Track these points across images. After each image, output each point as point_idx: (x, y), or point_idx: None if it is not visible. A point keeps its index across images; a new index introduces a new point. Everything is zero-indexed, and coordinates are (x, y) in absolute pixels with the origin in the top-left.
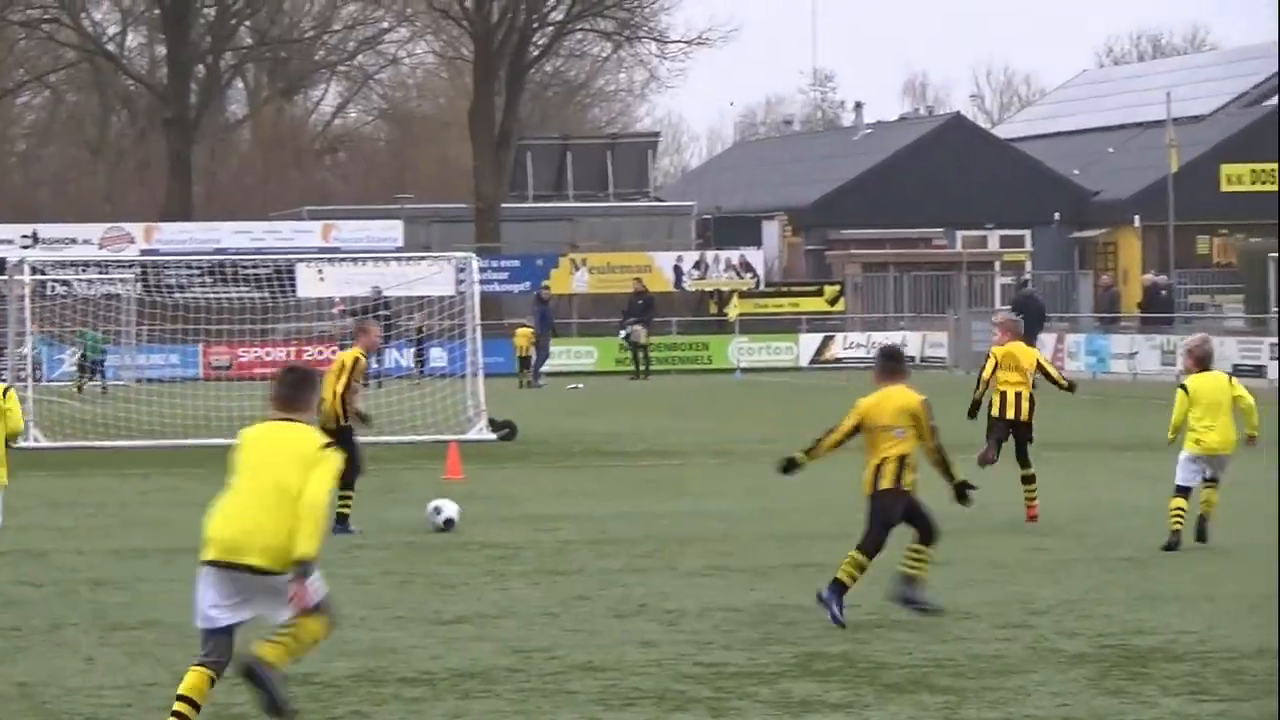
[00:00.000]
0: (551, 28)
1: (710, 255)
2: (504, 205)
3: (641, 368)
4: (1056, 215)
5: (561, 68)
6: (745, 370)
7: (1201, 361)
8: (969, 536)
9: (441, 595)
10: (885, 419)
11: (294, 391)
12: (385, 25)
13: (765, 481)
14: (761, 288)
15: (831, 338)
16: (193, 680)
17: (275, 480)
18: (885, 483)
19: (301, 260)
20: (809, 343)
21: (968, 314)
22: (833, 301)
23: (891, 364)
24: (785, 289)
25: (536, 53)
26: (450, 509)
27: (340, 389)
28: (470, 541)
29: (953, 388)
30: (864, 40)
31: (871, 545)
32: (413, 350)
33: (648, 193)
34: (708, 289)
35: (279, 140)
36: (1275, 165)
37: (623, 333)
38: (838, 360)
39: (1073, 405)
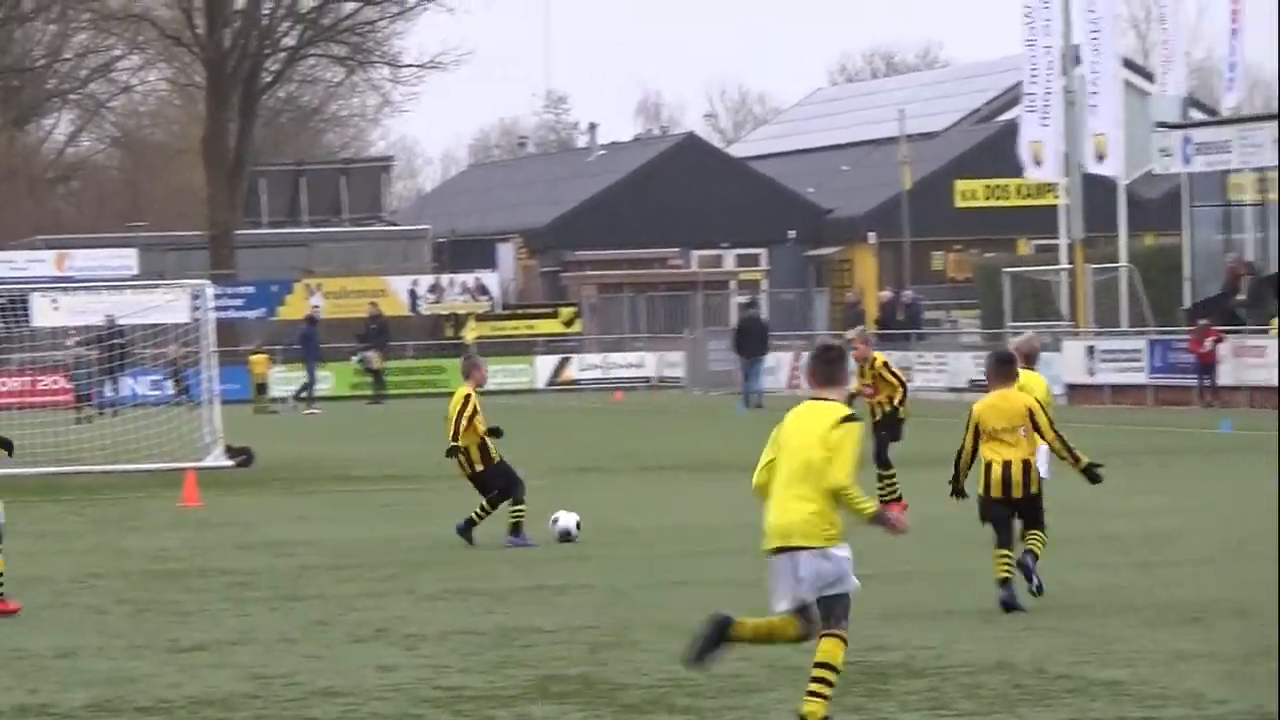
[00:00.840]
0: (284, 53)
1: (446, 278)
2: (238, 232)
3: (376, 392)
4: (792, 233)
5: (295, 93)
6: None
7: (1029, 359)
8: (705, 557)
9: (179, 623)
10: (1005, 420)
11: (830, 369)
12: (117, 53)
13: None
14: (497, 310)
15: (568, 359)
16: (825, 646)
17: (804, 459)
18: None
19: (35, 290)
20: (545, 365)
21: (704, 333)
22: (569, 323)
23: (1005, 368)
24: (521, 311)
25: (269, 79)
26: (567, 520)
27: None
28: (208, 568)
29: (691, 408)
30: (597, 62)
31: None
32: (170, 380)
33: (382, 217)
34: (443, 312)
35: (11, 169)
36: (1008, 181)
37: (355, 358)
38: (574, 382)
39: None
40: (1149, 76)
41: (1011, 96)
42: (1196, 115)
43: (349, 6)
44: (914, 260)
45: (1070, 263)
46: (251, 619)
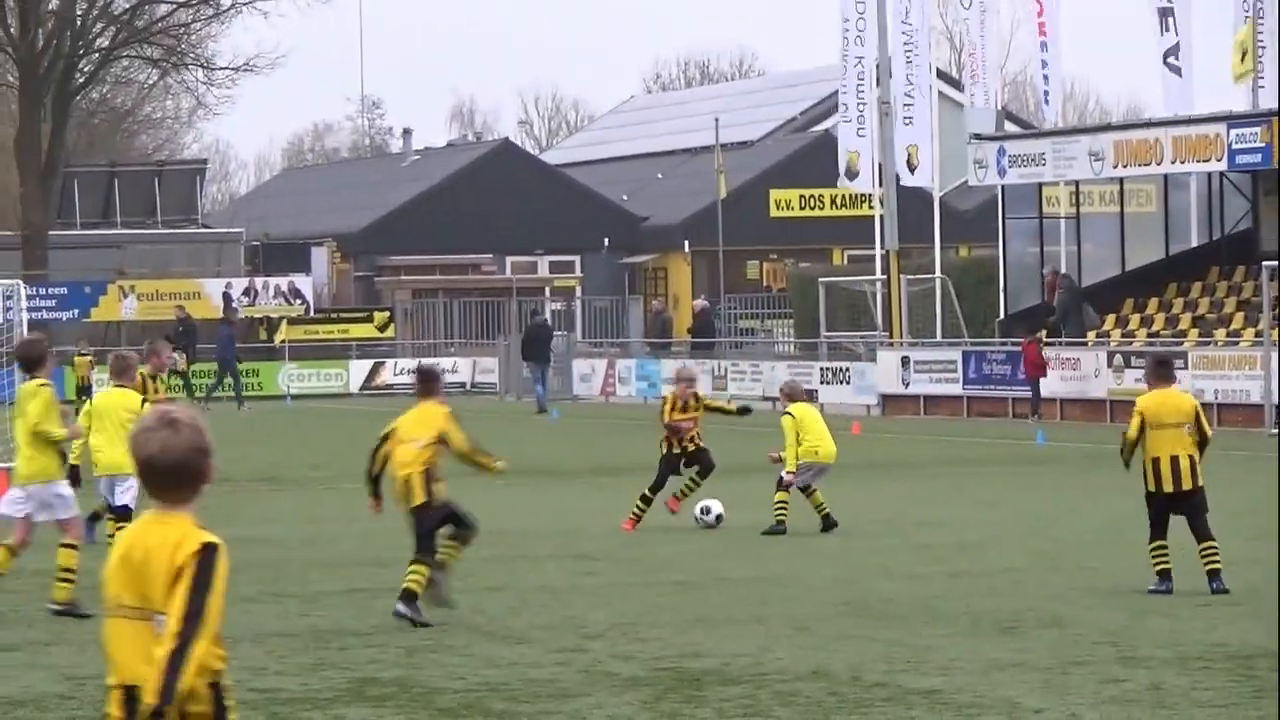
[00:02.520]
0: (98, 55)
1: (260, 281)
2: (51, 233)
3: (190, 395)
4: (606, 241)
5: (108, 94)
6: (295, 397)
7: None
8: (520, 561)
9: None
10: (1172, 417)
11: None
12: None
13: (317, 509)
14: (311, 314)
15: (381, 364)
16: None
17: None
18: (1199, 479)
19: None
20: (359, 369)
21: (518, 339)
22: (382, 328)
23: (1164, 369)
24: (335, 315)
25: (82, 80)
26: (717, 506)
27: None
28: (22, 569)
29: (504, 413)
30: (411, 67)
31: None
32: None
33: (196, 219)
34: (257, 315)
35: None
36: (823, 191)
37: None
38: (388, 386)
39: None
40: (964, 89)
41: (827, 106)
42: (1011, 128)
43: (163, 9)
44: (729, 269)
45: (885, 273)
46: (64, 620)
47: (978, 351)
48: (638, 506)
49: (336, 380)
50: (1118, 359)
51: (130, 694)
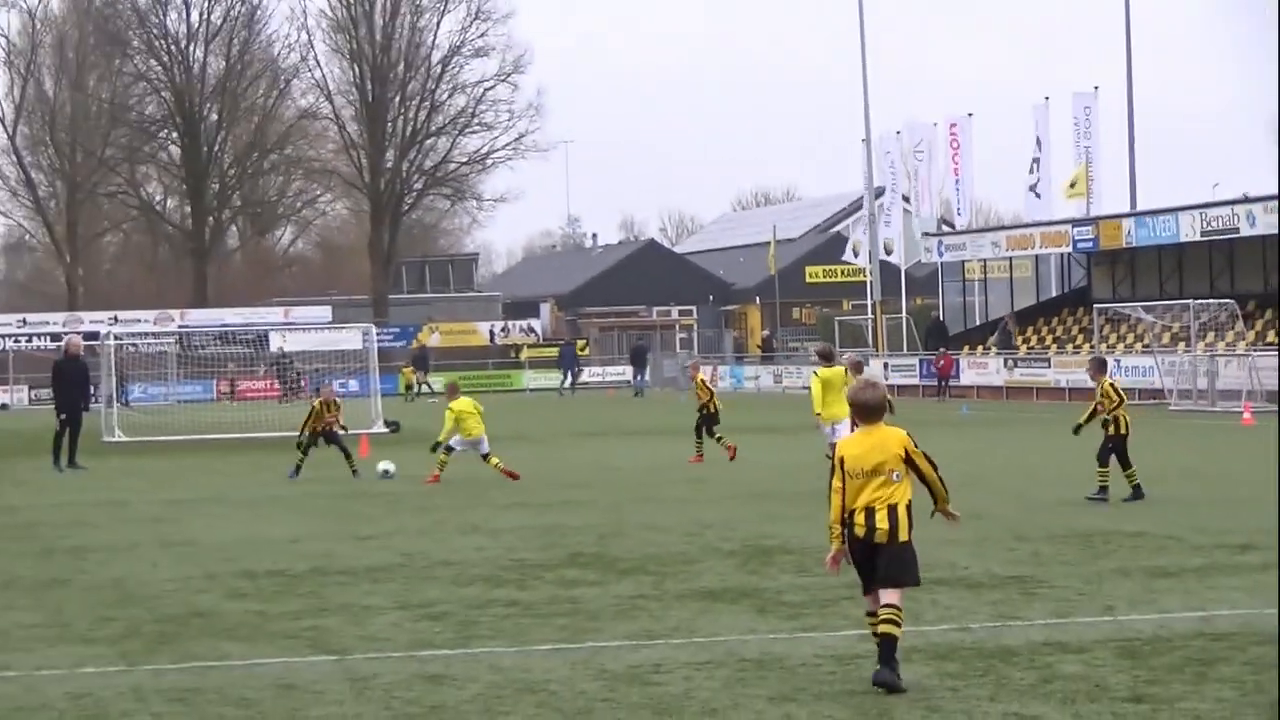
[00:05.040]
0: (414, 193)
1: (510, 323)
2: (390, 296)
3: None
4: (710, 297)
5: (420, 216)
6: (531, 390)
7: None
8: (655, 486)
9: (364, 521)
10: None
11: None
12: (318, 192)
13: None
14: (540, 341)
15: (582, 369)
16: None
17: None
18: None
19: (270, 329)
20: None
21: (659, 355)
22: (582, 349)
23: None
24: (554, 341)
25: (406, 207)
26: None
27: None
28: (368, 490)
29: (642, 400)
30: (598, 191)
31: None
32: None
33: (472, 287)
34: (510, 344)
35: (258, 260)
36: (836, 265)
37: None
38: (585, 384)
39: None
40: (914, 205)
41: (838, 216)
42: (945, 228)
43: (452, 166)
44: (782, 313)
45: (873, 314)
46: (402, 518)
47: (926, 359)
48: (701, 444)
49: (554, 380)
50: (1010, 362)
51: (869, 510)
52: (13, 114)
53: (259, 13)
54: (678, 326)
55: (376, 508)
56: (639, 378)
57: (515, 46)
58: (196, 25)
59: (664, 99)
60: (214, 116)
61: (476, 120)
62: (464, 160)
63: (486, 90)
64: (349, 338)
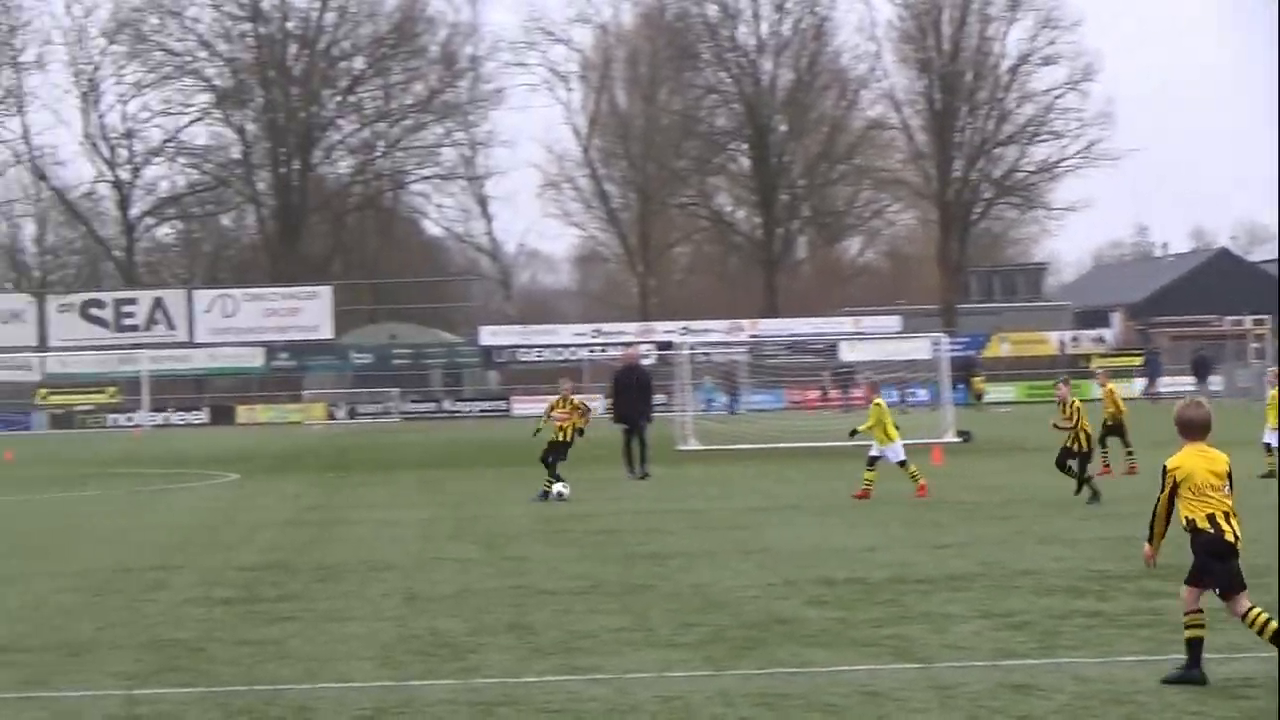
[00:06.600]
0: (983, 203)
1: (1079, 333)
2: (959, 305)
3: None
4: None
5: (989, 225)
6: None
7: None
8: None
9: (939, 530)
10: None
11: None
12: (886, 201)
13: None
14: (1112, 350)
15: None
16: None
17: None
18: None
19: (840, 339)
20: (1127, 382)
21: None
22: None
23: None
24: (1124, 351)
25: (975, 216)
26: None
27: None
28: (944, 500)
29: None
30: (1164, 204)
31: None
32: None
33: (1042, 296)
34: (1079, 352)
35: (827, 269)
36: None
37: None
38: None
39: None
40: None
41: None
42: None
43: (1021, 175)
44: None
45: None
46: (979, 528)
47: None
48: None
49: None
50: None
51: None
52: (587, 127)
53: (827, 24)
54: (1250, 335)
55: (953, 517)
56: (1200, 387)
57: (1085, 54)
58: (766, 37)
59: (1236, 107)
60: (783, 127)
61: (1045, 129)
62: (1033, 169)
63: (1056, 98)
64: (918, 347)
